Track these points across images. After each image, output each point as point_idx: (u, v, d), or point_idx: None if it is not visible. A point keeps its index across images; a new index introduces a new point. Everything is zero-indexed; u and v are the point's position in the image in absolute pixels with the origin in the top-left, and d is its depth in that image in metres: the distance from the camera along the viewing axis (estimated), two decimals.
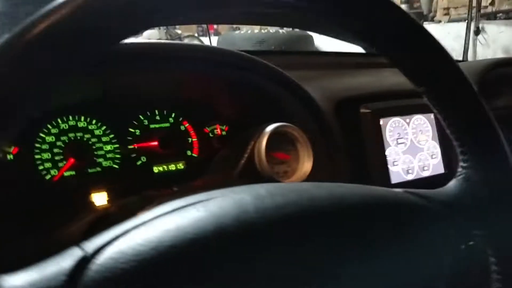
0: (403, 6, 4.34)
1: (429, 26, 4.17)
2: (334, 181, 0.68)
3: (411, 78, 0.39)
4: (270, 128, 0.57)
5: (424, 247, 0.37)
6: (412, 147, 0.83)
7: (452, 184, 0.42)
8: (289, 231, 0.29)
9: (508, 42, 3.36)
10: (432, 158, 0.85)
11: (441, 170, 0.85)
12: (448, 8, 4.27)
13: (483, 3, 3.95)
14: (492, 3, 3.97)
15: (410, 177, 0.81)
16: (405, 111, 0.83)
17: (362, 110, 0.78)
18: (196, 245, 0.27)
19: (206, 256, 0.27)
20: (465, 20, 3.75)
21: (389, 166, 0.79)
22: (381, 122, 0.79)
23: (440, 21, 4.03)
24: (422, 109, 0.85)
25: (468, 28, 3.65)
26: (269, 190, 0.31)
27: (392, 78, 0.89)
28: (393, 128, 0.81)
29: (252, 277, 0.28)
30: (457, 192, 0.41)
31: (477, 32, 3.57)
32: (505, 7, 3.64)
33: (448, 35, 3.73)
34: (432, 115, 0.86)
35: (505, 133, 1.01)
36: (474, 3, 3.72)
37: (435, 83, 0.39)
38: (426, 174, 0.84)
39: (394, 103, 0.82)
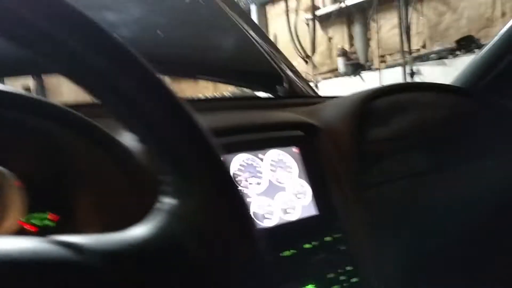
0: (340, 59, 4.44)
1: (367, 74, 4.26)
2: None
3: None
4: None
5: None
6: (271, 187, 0.70)
7: (138, 226, 0.30)
8: None
9: (441, 81, 3.41)
10: (298, 198, 0.72)
11: (312, 212, 0.72)
12: (383, 56, 4.37)
13: (416, 46, 4.08)
14: (424, 46, 4.10)
15: (269, 222, 0.67)
16: (256, 145, 0.71)
17: None
18: None
19: None
20: (401, 65, 3.85)
21: None
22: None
23: (377, 69, 4.11)
24: (279, 143, 0.74)
25: (403, 72, 3.74)
26: None
27: (246, 116, 0.79)
28: (244, 166, 0.68)
29: None
30: (139, 235, 0.28)
31: (412, 74, 3.63)
32: (435, 48, 3.74)
33: (386, 80, 3.79)
34: (294, 149, 0.75)
35: (386, 165, 0.87)
36: (406, 48, 3.84)
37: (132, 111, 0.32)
38: (293, 217, 0.70)
39: (241, 137, 0.70)
